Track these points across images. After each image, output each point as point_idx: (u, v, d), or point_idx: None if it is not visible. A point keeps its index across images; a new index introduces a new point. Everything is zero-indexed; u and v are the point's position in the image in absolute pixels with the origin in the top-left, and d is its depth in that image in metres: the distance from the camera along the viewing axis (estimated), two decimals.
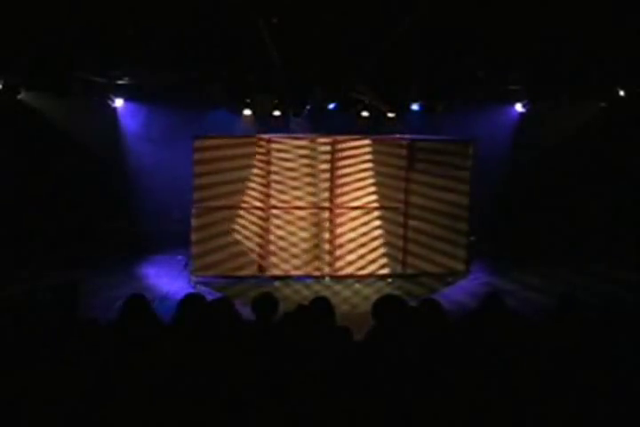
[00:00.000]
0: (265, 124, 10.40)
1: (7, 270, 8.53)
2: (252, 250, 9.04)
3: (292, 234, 9.11)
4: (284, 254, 9.11)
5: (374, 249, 9.26)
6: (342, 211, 9.16)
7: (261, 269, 9.04)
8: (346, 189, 9.16)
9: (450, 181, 9.18)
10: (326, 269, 9.17)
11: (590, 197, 10.65)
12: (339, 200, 9.15)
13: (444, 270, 9.22)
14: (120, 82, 9.35)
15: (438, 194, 9.21)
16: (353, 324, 4.08)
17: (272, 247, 9.07)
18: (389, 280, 9.15)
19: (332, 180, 9.08)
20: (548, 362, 3.56)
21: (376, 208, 9.21)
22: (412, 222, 9.20)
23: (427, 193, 9.22)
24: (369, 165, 9.18)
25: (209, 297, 4.22)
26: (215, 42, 6.79)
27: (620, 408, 3.28)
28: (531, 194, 11.06)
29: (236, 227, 9.00)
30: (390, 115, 10.20)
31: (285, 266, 9.10)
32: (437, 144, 9.26)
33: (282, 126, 10.26)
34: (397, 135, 9.33)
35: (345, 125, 9.99)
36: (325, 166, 9.06)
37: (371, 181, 9.19)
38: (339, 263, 9.17)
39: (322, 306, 4.04)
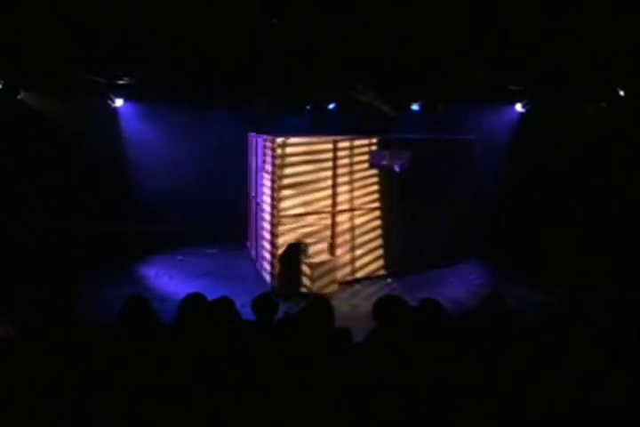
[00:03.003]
0: (264, 123, 10.40)
1: (7, 270, 8.53)
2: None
3: None
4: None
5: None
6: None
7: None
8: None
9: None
10: None
11: (589, 196, 10.63)
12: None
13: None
14: (120, 82, 9.34)
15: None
16: (353, 324, 4.08)
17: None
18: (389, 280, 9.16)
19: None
20: (548, 360, 3.56)
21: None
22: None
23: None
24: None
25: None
26: (215, 42, 6.78)
27: (621, 407, 3.29)
28: (530, 194, 11.05)
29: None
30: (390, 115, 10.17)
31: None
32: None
33: (280, 126, 10.25)
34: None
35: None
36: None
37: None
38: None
39: (322, 306, 4.03)
